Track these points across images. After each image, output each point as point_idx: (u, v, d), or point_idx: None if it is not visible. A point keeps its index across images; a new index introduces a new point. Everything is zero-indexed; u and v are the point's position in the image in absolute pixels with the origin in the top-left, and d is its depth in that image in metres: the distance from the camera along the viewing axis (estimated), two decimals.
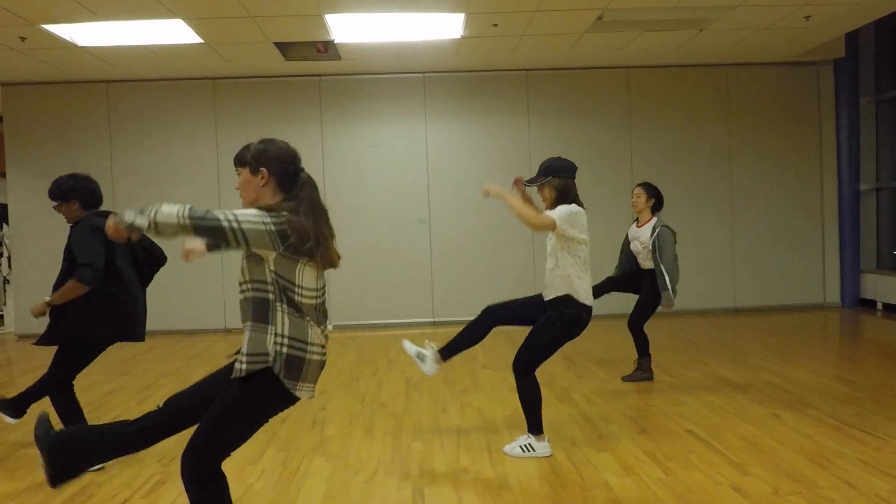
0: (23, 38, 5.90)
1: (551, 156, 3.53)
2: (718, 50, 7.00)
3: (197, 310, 7.48)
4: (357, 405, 4.34)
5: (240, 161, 2.18)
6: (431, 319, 7.61)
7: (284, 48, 6.53)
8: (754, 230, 7.72)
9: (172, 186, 7.40)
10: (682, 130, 7.68)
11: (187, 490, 2.02)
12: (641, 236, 4.58)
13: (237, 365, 1.98)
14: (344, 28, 5.89)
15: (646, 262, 4.58)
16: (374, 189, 7.62)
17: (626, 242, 4.74)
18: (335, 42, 6.32)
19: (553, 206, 3.33)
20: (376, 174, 7.63)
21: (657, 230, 4.47)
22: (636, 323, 4.62)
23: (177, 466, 3.15)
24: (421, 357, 3.54)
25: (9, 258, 7.78)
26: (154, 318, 7.44)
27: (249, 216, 1.96)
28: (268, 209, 2.02)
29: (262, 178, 2.11)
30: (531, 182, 3.45)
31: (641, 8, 5.62)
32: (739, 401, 4.05)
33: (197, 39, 6.07)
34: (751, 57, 7.33)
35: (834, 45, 7.21)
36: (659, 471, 3.01)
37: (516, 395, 4.39)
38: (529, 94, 7.65)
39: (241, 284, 2.05)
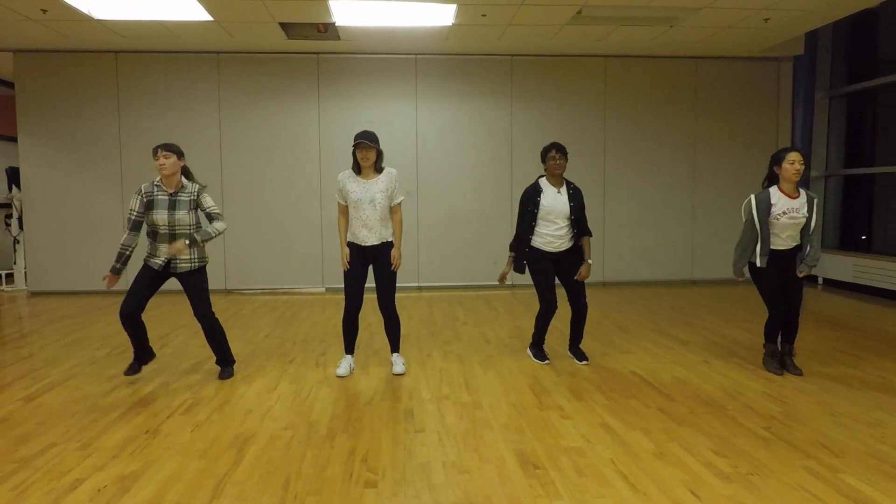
0: (44, 11, 6.30)
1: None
2: (688, 44, 7.60)
3: None
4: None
5: (177, 151, 4.01)
6: (417, 284, 8.25)
7: (287, 27, 6.99)
8: (714, 209, 8.45)
9: None
10: (653, 115, 8.32)
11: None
12: (799, 207, 4.06)
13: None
14: (345, 12, 6.38)
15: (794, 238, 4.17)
16: None
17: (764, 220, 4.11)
18: (336, 24, 6.81)
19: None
20: None
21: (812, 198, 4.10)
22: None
23: (206, 393, 3.82)
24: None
25: (19, 219, 8.18)
26: None
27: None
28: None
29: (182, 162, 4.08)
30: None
31: (616, 6, 6.19)
32: (678, 351, 4.80)
33: (207, 17, 6.51)
34: (717, 51, 7.96)
35: (794, 43, 7.84)
36: (603, 398, 3.72)
37: (491, 345, 5.12)
38: (513, 77, 8.21)
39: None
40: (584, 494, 2.57)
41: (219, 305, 7.08)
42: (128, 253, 4.02)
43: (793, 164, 4.00)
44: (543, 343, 4.67)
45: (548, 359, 4.58)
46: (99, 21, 6.58)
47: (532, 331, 4.69)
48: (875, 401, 3.65)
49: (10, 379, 4.22)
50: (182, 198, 4.03)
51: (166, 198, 4.01)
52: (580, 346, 4.64)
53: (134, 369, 4.22)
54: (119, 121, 7.90)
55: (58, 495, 2.58)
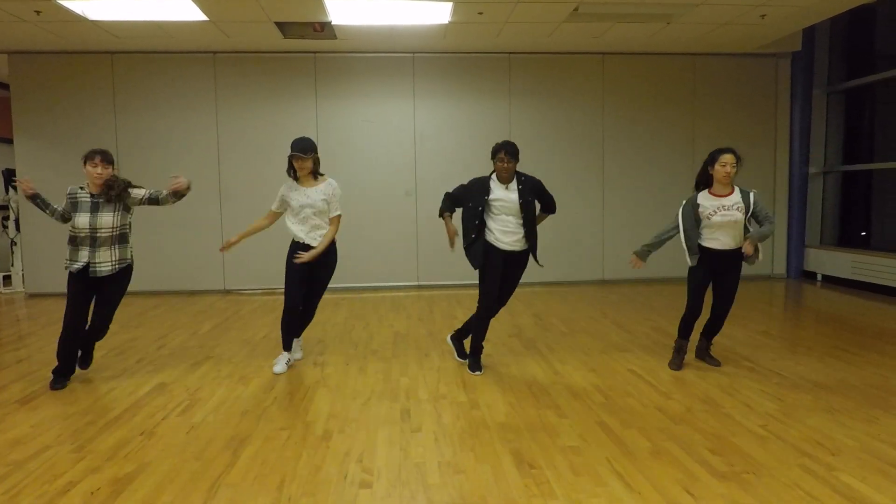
0: (38, 12, 6.28)
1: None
2: (685, 41, 7.57)
3: (198, 271, 8.02)
4: (351, 351, 4.97)
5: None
6: (416, 283, 8.23)
7: (283, 27, 6.97)
8: None
9: (174, 155, 7.87)
10: (651, 113, 8.28)
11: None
12: (731, 204, 4.06)
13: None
14: (341, 10, 6.36)
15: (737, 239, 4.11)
16: (365, 162, 8.14)
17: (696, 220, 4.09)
18: (332, 23, 6.79)
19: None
20: (367, 148, 8.14)
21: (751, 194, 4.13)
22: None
23: (202, 395, 3.80)
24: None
25: (16, 221, 8.16)
26: (158, 279, 8.01)
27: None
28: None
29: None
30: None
31: (613, 2, 6.18)
32: None
33: (202, 17, 6.49)
34: (715, 48, 7.93)
35: (791, 40, 7.83)
36: (601, 397, 3.71)
37: (489, 345, 5.10)
38: (511, 75, 8.18)
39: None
40: (579, 494, 2.55)
41: (217, 306, 7.07)
42: (50, 205, 4.05)
43: (724, 166, 4.04)
44: (481, 352, 4.37)
45: (480, 370, 4.28)
46: (93, 22, 6.55)
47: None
48: (872, 398, 3.63)
49: (7, 381, 4.21)
50: (106, 200, 3.94)
51: (88, 200, 3.94)
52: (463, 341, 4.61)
53: (62, 383, 4.10)
54: (115, 122, 7.87)
55: (50, 498, 2.57)
